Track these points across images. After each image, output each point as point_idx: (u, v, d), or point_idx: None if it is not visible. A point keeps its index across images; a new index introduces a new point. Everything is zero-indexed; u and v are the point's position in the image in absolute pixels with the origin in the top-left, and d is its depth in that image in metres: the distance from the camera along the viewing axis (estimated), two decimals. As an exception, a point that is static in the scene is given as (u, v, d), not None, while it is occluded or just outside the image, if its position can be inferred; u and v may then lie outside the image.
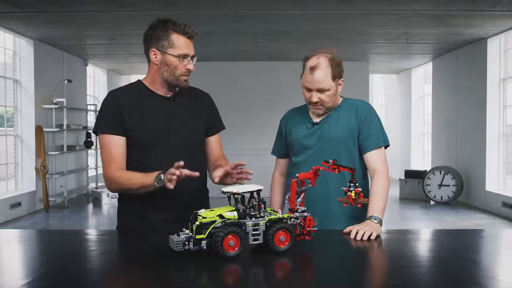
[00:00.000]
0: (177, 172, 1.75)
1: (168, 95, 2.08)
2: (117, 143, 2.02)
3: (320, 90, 2.14)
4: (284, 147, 2.38)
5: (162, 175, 1.85)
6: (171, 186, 1.77)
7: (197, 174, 1.82)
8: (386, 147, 2.23)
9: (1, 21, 6.86)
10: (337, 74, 2.16)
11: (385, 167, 2.17)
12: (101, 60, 10.71)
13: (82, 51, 9.44)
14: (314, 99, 2.16)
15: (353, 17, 6.72)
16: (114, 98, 2.06)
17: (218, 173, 1.97)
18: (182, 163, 1.76)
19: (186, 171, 1.77)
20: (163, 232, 1.72)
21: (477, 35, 7.80)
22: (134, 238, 1.96)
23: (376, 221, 1.95)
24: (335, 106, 2.25)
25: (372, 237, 1.84)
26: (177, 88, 2.08)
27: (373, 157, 2.17)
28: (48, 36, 7.89)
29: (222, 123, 2.28)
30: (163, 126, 2.04)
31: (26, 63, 7.92)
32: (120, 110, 2.01)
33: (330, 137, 2.19)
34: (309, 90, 2.16)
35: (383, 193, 2.10)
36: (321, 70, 2.12)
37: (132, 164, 2.05)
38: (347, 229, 1.91)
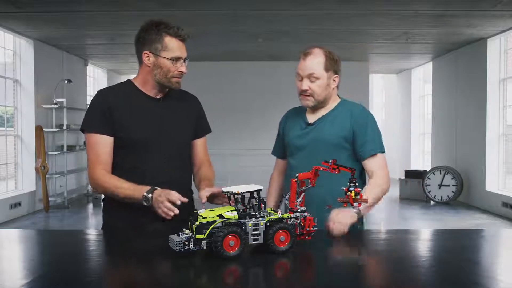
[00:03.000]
0: (176, 211, 1.76)
1: (158, 96, 2.08)
2: (104, 143, 2.01)
3: (310, 77, 2.12)
4: (282, 148, 2.37)
5: (150, 195, 1.86)
6: (168, 217, 1.78)
7: (185, 200, 1.84)
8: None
9: (1, 21, 6.86)
10: (330, 67, 2.14)
11: (383, 172, 2.14)
12: (101, 60, 10.71)
13: (82, 51, 9.44)
14: (304, 87, 2.13)
15: (353, 17, 6.72)
16: (104, 97, 2.06)
17: (204, 194, 1.93)
18: (179, 202, 1.79)
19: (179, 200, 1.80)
20: (158, 232, 1.72)
21: (477, 35, 7.80)
22: (134, 238, 1.96)
23: (353, 209, 1.92)
24: (328, 102, 2.21)
25: (345, 232, 1.85)
26: (167, 90, 2.08)
27: (369, 164, 2.15)
28: (48, 36, 7.89)
29: (208, 127, 2.28)
30: (152, 127, 2.04)
31: (26, 63, 7.91)
32: (109, 109, 2.01)
33: (323, 139, 2.16)
34: (301, 78, 2.15)
35: (373, 187, 2.07)
36: (313, 57, 2.12)
37: (120, 164, 2.05)
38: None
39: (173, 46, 1.98)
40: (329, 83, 2.16)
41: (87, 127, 2.04)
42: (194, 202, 2.15)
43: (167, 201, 1.80)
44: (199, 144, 2.23)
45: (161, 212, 1.81)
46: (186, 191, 2.13)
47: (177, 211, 1.76)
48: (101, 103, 2.04)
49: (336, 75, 2.18)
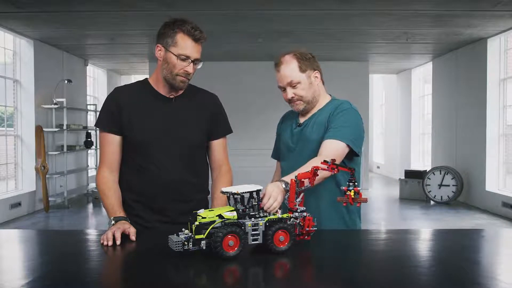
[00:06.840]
0: (110, 243, 1.73)
1: (171, 96, 2.07)
2: (111, 141, 2.04)
3: (291, 85, 2.11)
4: (279, 150, 2.35)
5: (113, 222, 1.87)
6: (104, 242, 1.75)
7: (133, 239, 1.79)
8: (353, 151, 2.05)
9: (1, 21, 6.86)
10: (306, 67, 2.11)
11: (324, 156, 1.93)
12: (101, 60, 10.71)
13: (82, 51, 9.44)
14: (289, 95, 2.12)
15: (353, 17, 6.73)
16: (116, 96, 2.08)
17: None
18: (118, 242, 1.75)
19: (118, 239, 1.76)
20: (157, 232, 1.72)
21: (477, 35, 7.80)
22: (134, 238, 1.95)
23: (283, 186, 1.85)
24: (318, 100, 2.18)
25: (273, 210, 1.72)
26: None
27: (322, 146, 2.03)
28: (48, 36, 7.89)
29: (228, 127, 2.21)
30: (159, 127, 2.03)
31: (26, 63, 7.92)
32: (119, 108, 2.03)
33: (308, 139, 2.13)
34: (284, 89, 2.14)
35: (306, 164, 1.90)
36: (285, 65, 2.11)
37: (130, 164, 2.07)
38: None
39: (183, 43, 1.95)
40: (311, 82, 2.14)
41: (98, 124, 2.09)
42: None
43: (119, 231, 1.77)
44: (216, 145, 2.17)
45: (105, 235, 1.77)
46: (198, 192, 2.14)
47: (111, 242, 1.73)
48: (112, 101, 2.06)
49: (316, 71, 2.15)
